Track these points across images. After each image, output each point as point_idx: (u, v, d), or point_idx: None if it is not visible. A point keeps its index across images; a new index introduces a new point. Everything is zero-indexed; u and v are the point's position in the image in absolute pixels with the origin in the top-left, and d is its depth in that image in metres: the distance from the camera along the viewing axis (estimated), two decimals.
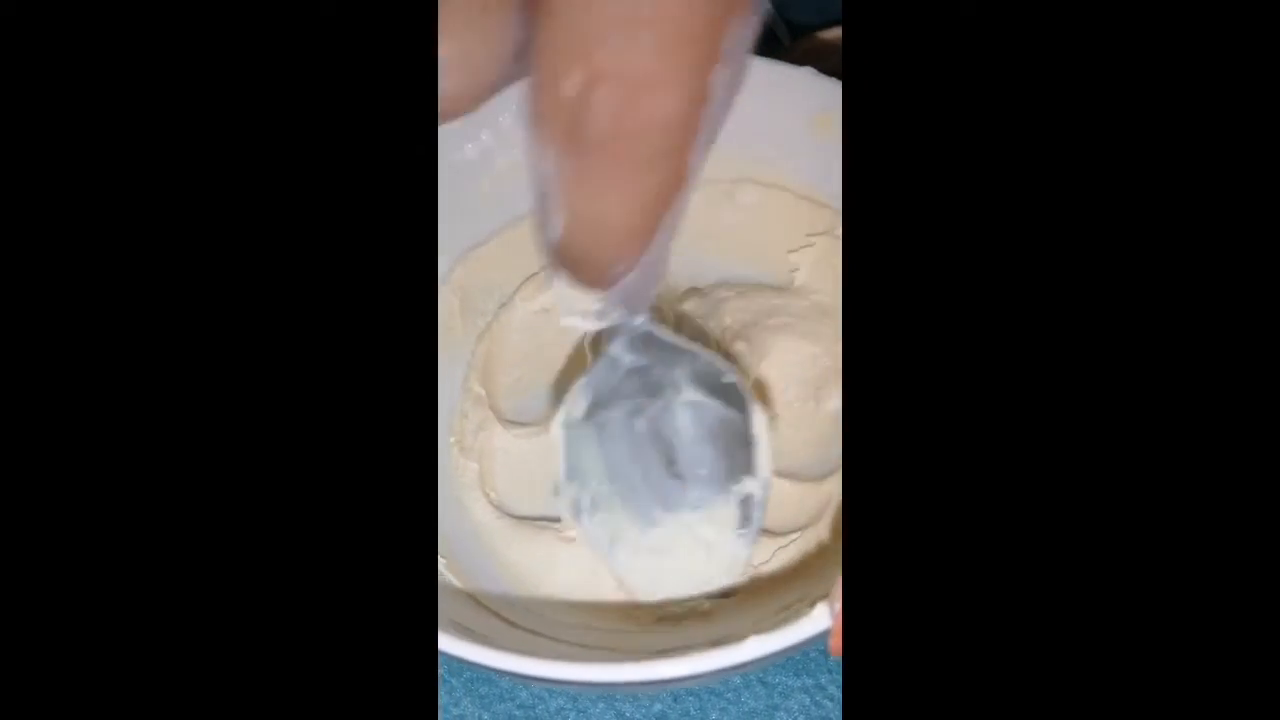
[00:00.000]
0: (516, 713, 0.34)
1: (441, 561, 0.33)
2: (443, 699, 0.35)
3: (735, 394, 0.31)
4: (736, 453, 0.31)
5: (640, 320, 0.27)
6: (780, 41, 0.47)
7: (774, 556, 0.34)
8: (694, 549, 0.32)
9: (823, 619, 0.25)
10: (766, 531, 0.34)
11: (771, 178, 0.41)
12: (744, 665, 0.25)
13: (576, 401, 0.31)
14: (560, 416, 0.31)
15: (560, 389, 0.37)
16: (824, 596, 0.26)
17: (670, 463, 0.32)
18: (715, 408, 0.31)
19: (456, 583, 0.33)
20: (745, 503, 0.31)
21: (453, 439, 0.38)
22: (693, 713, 0.35)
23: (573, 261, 0.21)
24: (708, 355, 0.31)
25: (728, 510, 0.32)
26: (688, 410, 0.31)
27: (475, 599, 0.32)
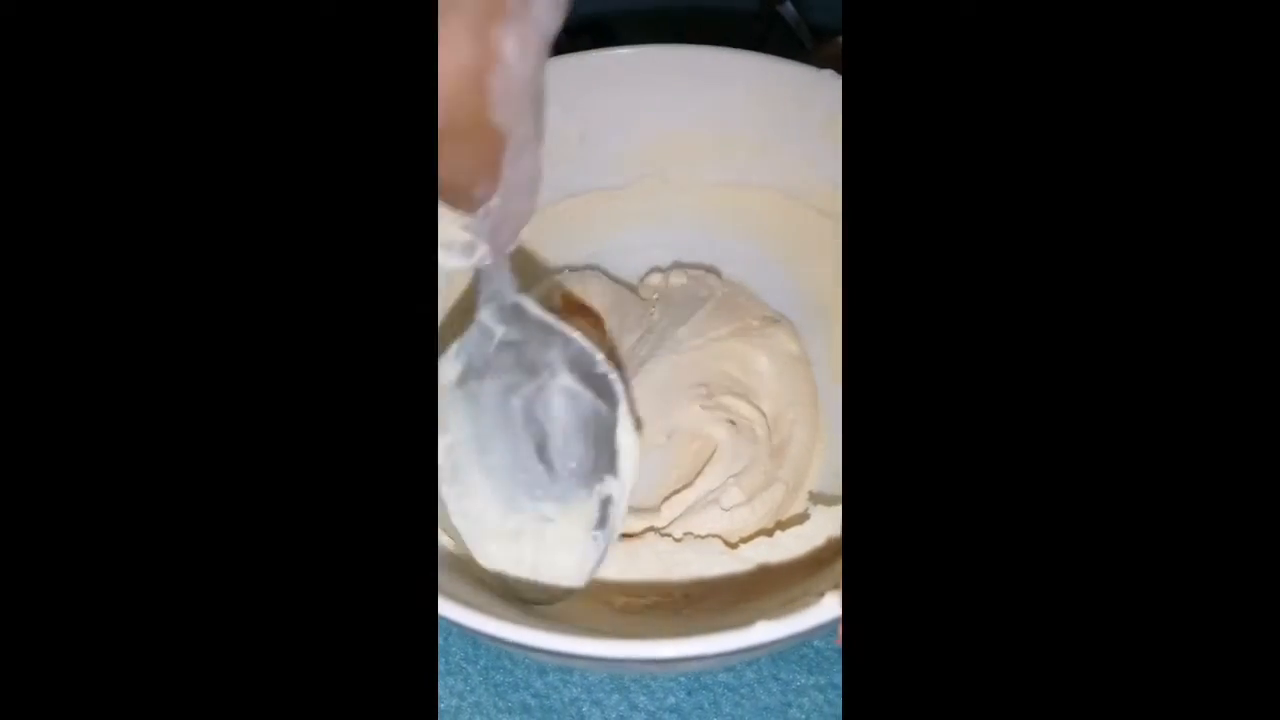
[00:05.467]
0: (531, 701, 0.34)
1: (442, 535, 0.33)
2: (458, 686, 0.35)
3: (607, 387, 0.30)
4: (603, 449, 0.31)
5: (509, 292, 0.29)
6: (804, 45, 0.47)
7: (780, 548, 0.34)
8: (550, 543, 0.31)
9: (832, 607, 0.25)
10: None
11: (782, 177, 0.41)
12: (750, 650, 0.25)
13: (449, 365, 0.30)
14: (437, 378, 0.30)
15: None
16: (834, 587, 0.26)
17: (540, 449, 0.31)
18: (588, 398, 0.31)
19: (450, 545, 0.33)
20: (605, 504, 0.31)
21: None
22: (706, 706, 0.34)
23: (446, 188, 0.24)
24: (580, 340, 0.30)
25: (588, 508, 0.31)
26: (563, 396, 0.31)
27: (475, 574, 0.32)
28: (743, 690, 0.35)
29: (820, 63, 0.39)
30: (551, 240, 0.43)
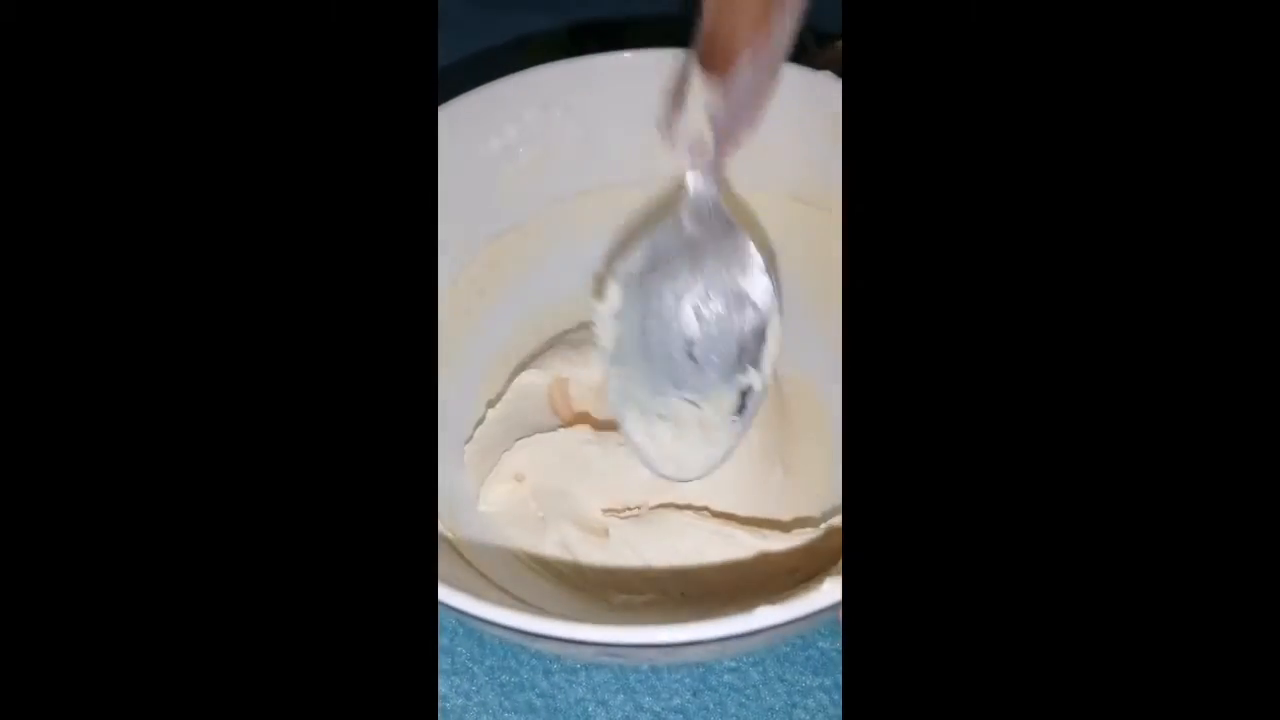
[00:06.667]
0: (537, 701, 0.35)
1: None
2: (465, 686, 0.35)
3: (764, 289, 0.35)
4: (749, 347, 0.35)
5: (712, 193, 0.33)
6: (806, 48, 0.47)
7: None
8: (690, 425, 0.36)
9: (833, 592, 0.25)
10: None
11: (784, 178, 0.42)
12: (753, 635, 0.25)
13: (638, 257, 0.35)
14: (622, 268, 0.35)
15: None
16: (835, 572, 0.26)
17: (691, 344, 0.36)
18: (744, 299, 0.35)
19: (450, 535, 0.34)
20: (745, 394, 0.35)
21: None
22: (711, 707, 0.35)
23: (709, 45, 0.31)
24: (753, 244, 0.34)
25: (728, 398, 0.35)
26: (721, 297, 0.35)
27: (479, 572, 0.33)
28: (748, 691, 0.35)
29: (823, 66, 0.39)
30: (551, 239, 0.43)
